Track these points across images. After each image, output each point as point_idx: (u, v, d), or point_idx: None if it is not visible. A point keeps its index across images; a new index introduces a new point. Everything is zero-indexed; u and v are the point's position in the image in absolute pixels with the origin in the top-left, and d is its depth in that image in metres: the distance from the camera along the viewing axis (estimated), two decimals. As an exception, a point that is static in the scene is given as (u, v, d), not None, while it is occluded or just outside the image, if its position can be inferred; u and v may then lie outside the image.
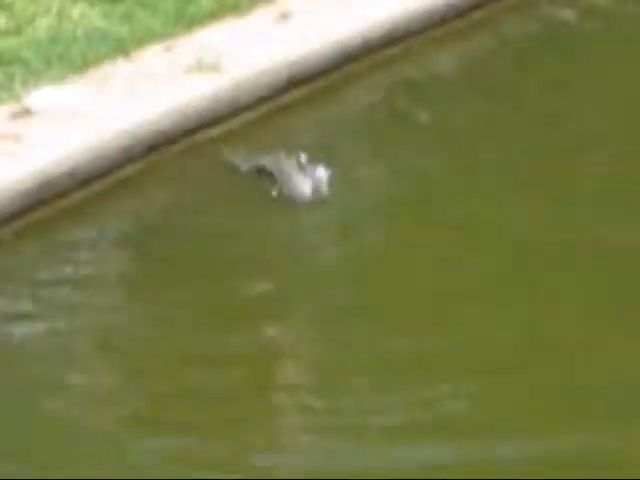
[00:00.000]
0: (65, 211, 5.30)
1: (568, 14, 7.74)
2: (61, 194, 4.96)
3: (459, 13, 7.15)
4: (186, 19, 5.93)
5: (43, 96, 5.29)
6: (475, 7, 7.08)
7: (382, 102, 6.60)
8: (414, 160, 5.96)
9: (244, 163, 5.80)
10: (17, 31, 5.60)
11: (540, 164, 5.91)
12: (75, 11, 5.74)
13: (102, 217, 5.62)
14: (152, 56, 5.61)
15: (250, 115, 5.89)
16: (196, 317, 5.05)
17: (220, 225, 5.63)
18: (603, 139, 6.32)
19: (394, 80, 6.71)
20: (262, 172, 5.79)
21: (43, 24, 5.62)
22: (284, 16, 6.43)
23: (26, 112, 5.08)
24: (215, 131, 5.66)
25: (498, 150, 5.93)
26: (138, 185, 5.65)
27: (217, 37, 6.00)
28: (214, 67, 5.48)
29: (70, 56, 5.43)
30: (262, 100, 5.87)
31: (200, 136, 5.67)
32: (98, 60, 5.44)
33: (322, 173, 5.57)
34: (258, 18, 6.38)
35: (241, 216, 5.63)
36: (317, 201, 5.64)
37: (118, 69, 5.48)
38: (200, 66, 5.54)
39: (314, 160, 5.58)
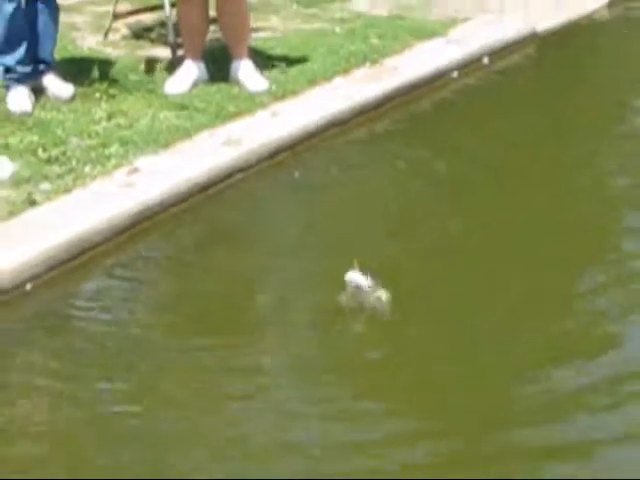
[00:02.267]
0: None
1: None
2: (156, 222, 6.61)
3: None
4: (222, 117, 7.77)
5: (146, 162, 6.96)
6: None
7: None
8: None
9: None
10: (130, 126, 7.48)
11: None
12: (162, 115, 7.69)
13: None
14: (203, 139, 7.40)
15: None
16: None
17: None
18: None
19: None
20: None
21: (144, 122, 7.56)
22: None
23: (136, 170, 6.85)
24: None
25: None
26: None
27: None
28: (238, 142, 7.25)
29: (160, 139, 7.27)
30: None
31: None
32: (175, 141, 7.25)
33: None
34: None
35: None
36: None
37: (186, 146, 7.30)
38: (229, 142, 7.31)
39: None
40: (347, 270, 5.77)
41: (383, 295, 5.89)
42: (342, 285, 5.81)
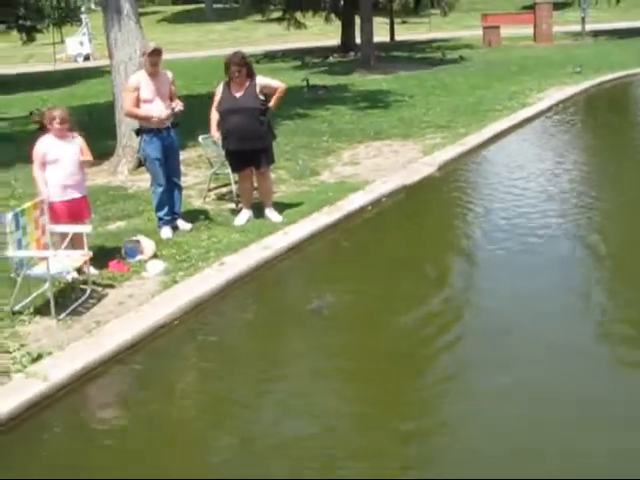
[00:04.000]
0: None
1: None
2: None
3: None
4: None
5: (228, 259, 6.68)
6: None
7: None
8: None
9: None
10: (219, 242, 7.15)
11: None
12: (232, 235, 7.32)
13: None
14: (252, 248, 7.05)
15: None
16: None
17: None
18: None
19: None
20: None
21: (225, 240, 7.19)
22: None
23: (223, 263, 6.60)
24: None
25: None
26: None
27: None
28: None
29: (233, 247, 6.93)
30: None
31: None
32: (241, 247, 6.98)
33: None
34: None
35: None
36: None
37: (245, 250, 6.99)
38: (265, 248, 7.11)
39: None
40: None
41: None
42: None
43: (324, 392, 4.75)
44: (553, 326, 5.35)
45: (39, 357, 5.01)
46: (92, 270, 6.39)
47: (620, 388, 4.46)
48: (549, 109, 14.40)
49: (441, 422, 4.34)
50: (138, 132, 7.47)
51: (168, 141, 7.38)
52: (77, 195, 6.40)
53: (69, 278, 6.13)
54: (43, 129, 6.22)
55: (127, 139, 10.20)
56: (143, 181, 9.17)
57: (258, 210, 7.92)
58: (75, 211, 6.36)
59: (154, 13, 53.00)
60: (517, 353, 4.97)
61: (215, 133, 7.64)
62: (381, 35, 28.31)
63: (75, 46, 34.09)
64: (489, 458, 3.89)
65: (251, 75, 7.43)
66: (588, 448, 3.87)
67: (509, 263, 6.71)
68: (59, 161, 6.20)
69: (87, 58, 33.66)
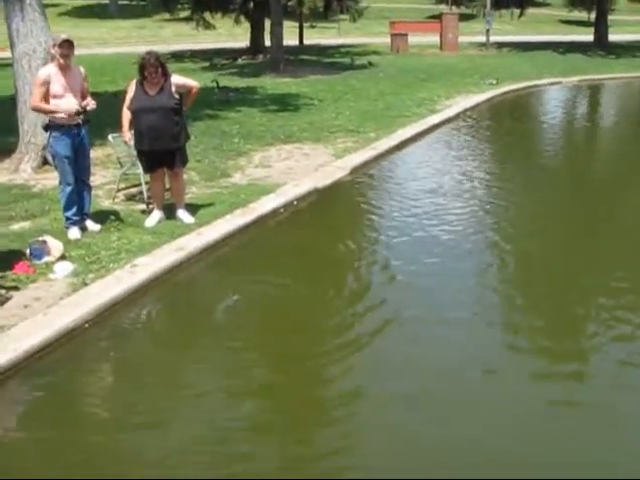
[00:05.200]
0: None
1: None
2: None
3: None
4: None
5: (139, 261, 6.57)
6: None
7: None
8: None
9: None
10: (129, 243, 7.03)
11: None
12: (144, 237, 7.22)
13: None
14: (164, 249, 6.99)
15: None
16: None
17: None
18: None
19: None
20: None
21: (136, 241, 7.11)
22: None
23: (135, 265, 6.44)
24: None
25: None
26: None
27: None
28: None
29: (145, 249, 6.86)
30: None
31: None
32: (152, 249, 6.92)
33: None
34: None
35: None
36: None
37: (157, 252, 7.00)
38: (179, 249, 7.49)
39: None
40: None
41: None
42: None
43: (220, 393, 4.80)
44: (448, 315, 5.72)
45: (-62, 365, 4.81)
46: None
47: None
48: (457, 116, 14.82)
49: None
50: (47, 128, 7.19)
51: (79, 139, 7.20)
52: None
53: None
54: None
55: (31, 136, 9.85)
56: (48, 179, 8.96)
57: (169, 211, 7.83)
58: None
59: (55, 6, 51.37)
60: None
61: (126, 133, 7.46)
62: (290, 38, 28.42)
63: (-30, 38, 32.71)
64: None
65: (166, 74, 7.30)
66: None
67: (412, 255, 7.08)
68: None
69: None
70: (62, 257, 6.75)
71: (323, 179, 9.66)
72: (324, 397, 4.78)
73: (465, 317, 5.71)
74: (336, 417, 4.48)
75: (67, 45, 6.97)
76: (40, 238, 6.90)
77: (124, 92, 7.79)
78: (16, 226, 7.54)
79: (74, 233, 7.51)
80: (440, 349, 5.20)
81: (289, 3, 27.91)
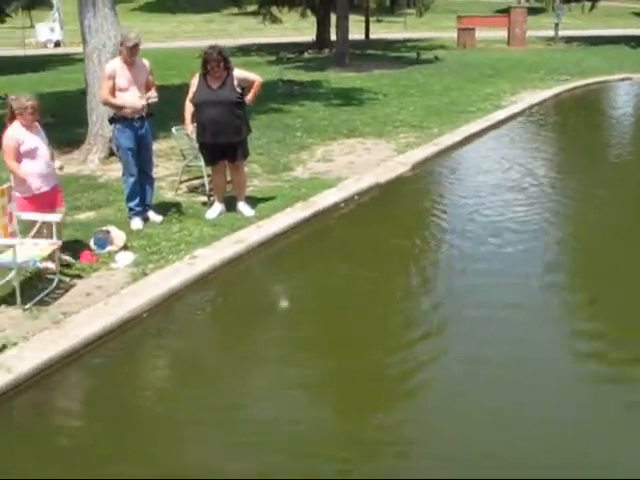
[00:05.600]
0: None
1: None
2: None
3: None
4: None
5: (199, 252, 6.60)
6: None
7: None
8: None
9: None
10: (190, 235, 7.13)
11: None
12: (204, 229, 7.29)
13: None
14: (224, 242, 7.09)
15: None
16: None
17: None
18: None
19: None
20: None
21: (196, 232, 7.15)
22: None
23: (194, 257, 6.51)
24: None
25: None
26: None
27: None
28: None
29: (205, 241, 6.92)
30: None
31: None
32: (212, 241, 6.97)
33: None
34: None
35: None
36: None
37: (217, 244, 7.12)
38: (238, 241, 7.57)
39: None
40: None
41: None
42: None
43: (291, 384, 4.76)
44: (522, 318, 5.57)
45: (3, 348, 4.93)
46: (69, 259, 6.37)
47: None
48: (522, 112, 14.50)
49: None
50: (112, 120, 7.35)
51: (142, 131, 7.29)
52: (54, 184, 6.28)
53: (41, 267, 6.05)
54: (12, 117, 5.98)
55: (99, 127, 10.04)
56: (114, 171, 9.05)
57: (230, 204, 7.85)
58: (53, 200, 6.26)
59: (128, 1, 52.42)
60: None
61: (189, 126, 7.52)
62: (356, 33, 28.25)
63: (45, 32, 33.69)
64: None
65: (228, 68, 7.31)
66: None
67: (479, 256, 6.86)
68: (37, 150, 6.01)
69: (58, 44, 33.27)
70: (124, 247, 6.87)
71: (385, 174, 9.59)
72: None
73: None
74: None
75: (135, 48, 7.10)
76: (104, 228, 7.04)
77: (187, 85, 7.87)
78: (82, 216, 7.67)
79: (136, 224, 7.61)
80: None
81: (356, -3, 27.73)
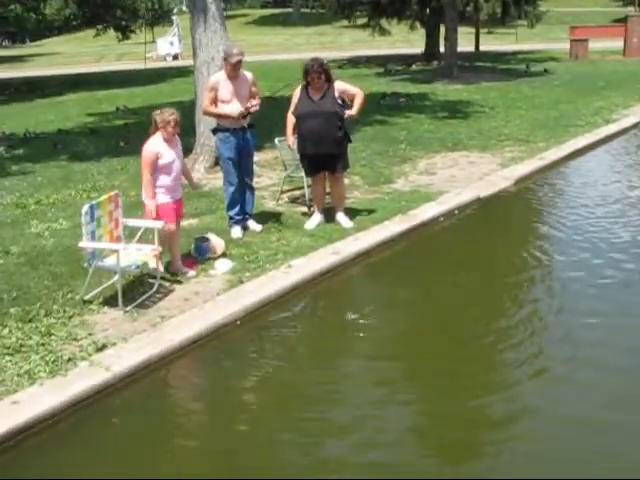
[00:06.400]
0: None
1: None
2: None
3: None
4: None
5: (296, 262, 6.65)
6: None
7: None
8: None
9: None
10: (287, 244, 7.19)
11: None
12: (303, 239, 7.33)
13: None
14: (321, 252, 7.12)
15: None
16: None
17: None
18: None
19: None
20: None
21: (295, 242, 7.22)
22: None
23: (290, 266, 6.54)
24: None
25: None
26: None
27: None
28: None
29: (303, 251, 6.93)
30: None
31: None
32: (309, 252, 6.98)
33: None
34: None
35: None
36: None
37: (314, 254, 7.13)
38: (335, 252, 7.20)
39: None
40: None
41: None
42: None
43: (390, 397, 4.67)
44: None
45: (104, 347, 5.12)
46: (186, 269, 6.61)
47: None
48: (634, 126, 13.87)
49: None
50: (215, 131, 7.50)
51: (243, 141, 7.40)
52: (179, 196, 6.55)
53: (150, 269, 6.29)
54: (155, 130, 6.23)
55: (205, 138, 10.29)
56: (218, 179, 9.18)
57: (329, 215, 7.90)
58: (179, 209, 6.57)
59: (243, 16, 53.92)
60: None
61: (290, 138, 7.59)
62: (466, 45, 27.92)
63: (165, 46, 35.09)
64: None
65: (329, 80, 7.35)
66: None
67: (583, 279, 6.43)
68: (173, 163, 6.24)
69: (176, 57, 34.57)
70: (223, 254, 7.06)
71: (486, 188, 9.43)
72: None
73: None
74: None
75: (237, 64, 7.23)
76: (204, 235, 7.14)
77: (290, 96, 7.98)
78: (185, 223, 7.87)
79: (236, 232, 7.73)
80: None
81: (466, 9, 27.34)
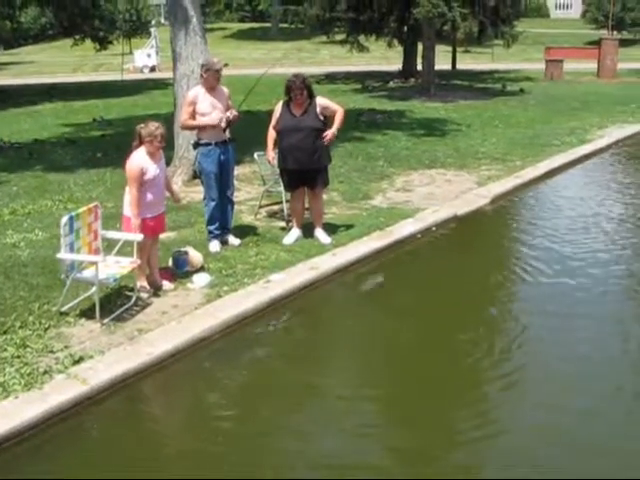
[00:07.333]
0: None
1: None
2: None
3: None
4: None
5: (274, 277, 6.72)
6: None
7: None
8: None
9: None
10: (266, 259, 7.19)
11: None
12: (280, 254, 7.31)
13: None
14: (299, 267, 7.12)
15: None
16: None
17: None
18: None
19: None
20: None
21: (273, 257, 7.23)
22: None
23: (269, 281, 6.53)
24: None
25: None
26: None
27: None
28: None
29: (280, 266, 6.93)
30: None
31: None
32: (288, 266, 6.99)
33: None
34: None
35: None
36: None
37: (292, 269, 7.05)
38: (312, 268, 7.24)
39: None
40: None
41: None
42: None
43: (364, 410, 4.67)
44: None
45: (80, 360, 5.10)
46: (164, 282, 6.61)
47: None
48: (608, 147, 14.06)
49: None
50: (196, 145, 7.50)
51: (224, 156, 7.40)
52: (161, 210, 6.51)
53: (138, 286, 6.32)
54: (139, 144, 6.15)
55: (184, 151, 10.28)
56: (196, 193, 9.24)
57: (308, 230, 7.92)
58: (160, 224, 6.52)
59: (221, 29, 53.92)
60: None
61: (270, 153, 7.61)
62: (443, 63, 28.15)
63: (142, 58, 35.04)
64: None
65: (311, 96, 7.40)
66: None
67: (558, 298, 6.55)
68: (156, 179, 6.18)
69: (153, 69, 34.52)
70: (201, 268, 7.04)
71: (463, 206, 9.49)
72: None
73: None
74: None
75: (217, 73, 7.29)
76: (183, 249, 7.11)
77: (271, 112, 7.99)
78: (163, 236, 7.79)
79: (214, 246, 7.73)
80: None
81: (444, 27, 27.61)
